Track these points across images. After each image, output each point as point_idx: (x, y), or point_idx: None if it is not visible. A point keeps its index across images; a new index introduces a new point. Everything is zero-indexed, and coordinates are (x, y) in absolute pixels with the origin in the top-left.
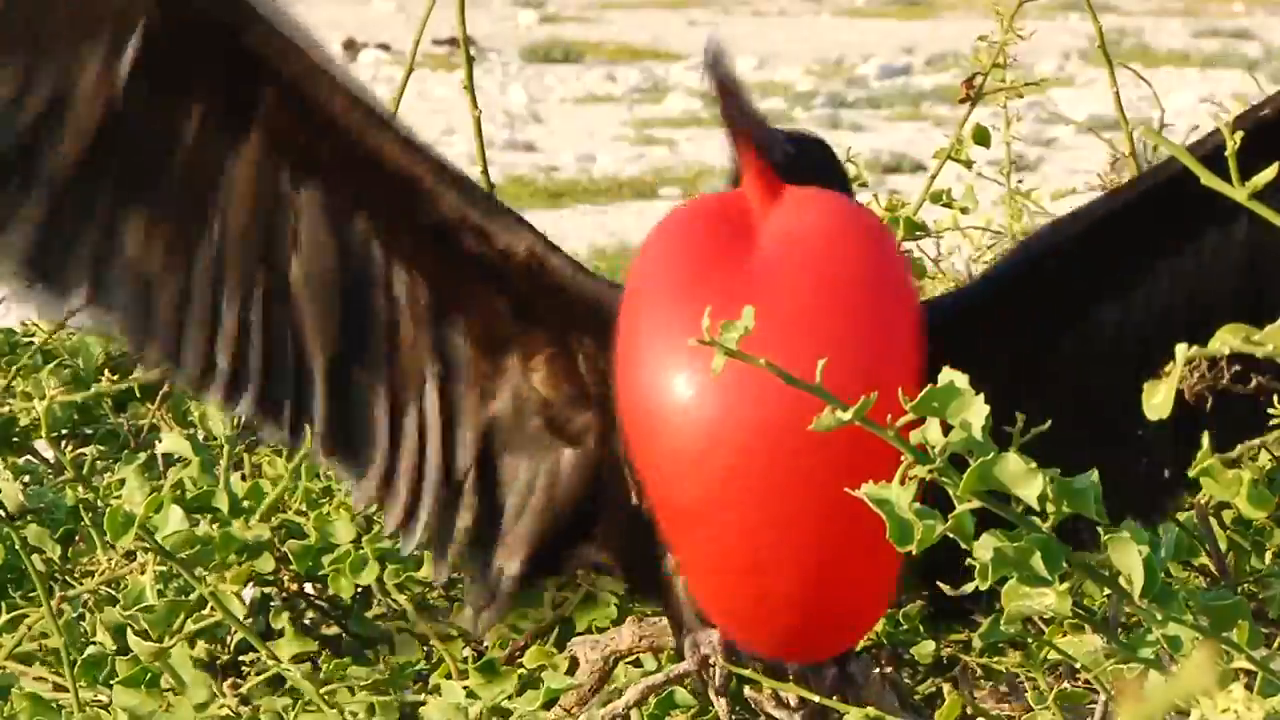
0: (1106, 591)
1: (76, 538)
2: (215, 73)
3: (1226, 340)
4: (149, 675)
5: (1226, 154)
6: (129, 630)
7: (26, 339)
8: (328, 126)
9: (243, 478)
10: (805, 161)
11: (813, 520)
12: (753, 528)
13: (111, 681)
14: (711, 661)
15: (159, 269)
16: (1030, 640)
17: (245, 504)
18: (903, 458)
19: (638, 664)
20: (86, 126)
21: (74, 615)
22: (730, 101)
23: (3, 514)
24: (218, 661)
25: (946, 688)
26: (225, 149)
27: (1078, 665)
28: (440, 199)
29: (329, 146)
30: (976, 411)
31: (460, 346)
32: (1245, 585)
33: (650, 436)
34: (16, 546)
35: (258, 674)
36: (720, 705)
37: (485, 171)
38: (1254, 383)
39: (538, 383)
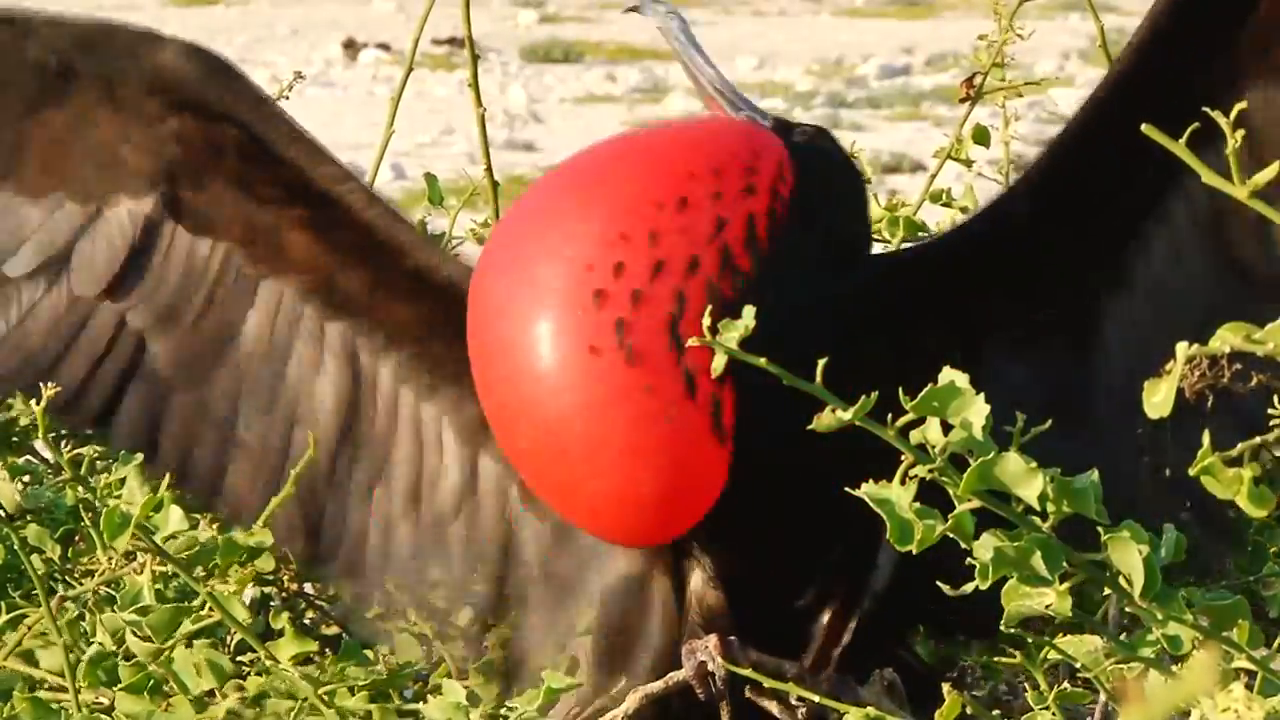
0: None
1: (76, 538)
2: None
3: (1226, 339)
4: (151, 681)
5: (1228, 152)
6: (129, 631)
7: None
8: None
9: None
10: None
11: (592, 430)
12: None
13: (114, 685)
14: (710, 669)
15: (176, 385)
16: (1030, 640)
17: None
18: (903, 458)
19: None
20: (118, 253)
21: (74, 615)
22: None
23: (3, 514)
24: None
25: (946, 688)
26: (250, 275)
27: (1078, 665)
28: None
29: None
30: (976, 411)
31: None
32: (1245, 585)
33: (482, 358)
34: (16, 546)
35: (257, 674)
36: (724, 713)
37: (489, 169)
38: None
39: None
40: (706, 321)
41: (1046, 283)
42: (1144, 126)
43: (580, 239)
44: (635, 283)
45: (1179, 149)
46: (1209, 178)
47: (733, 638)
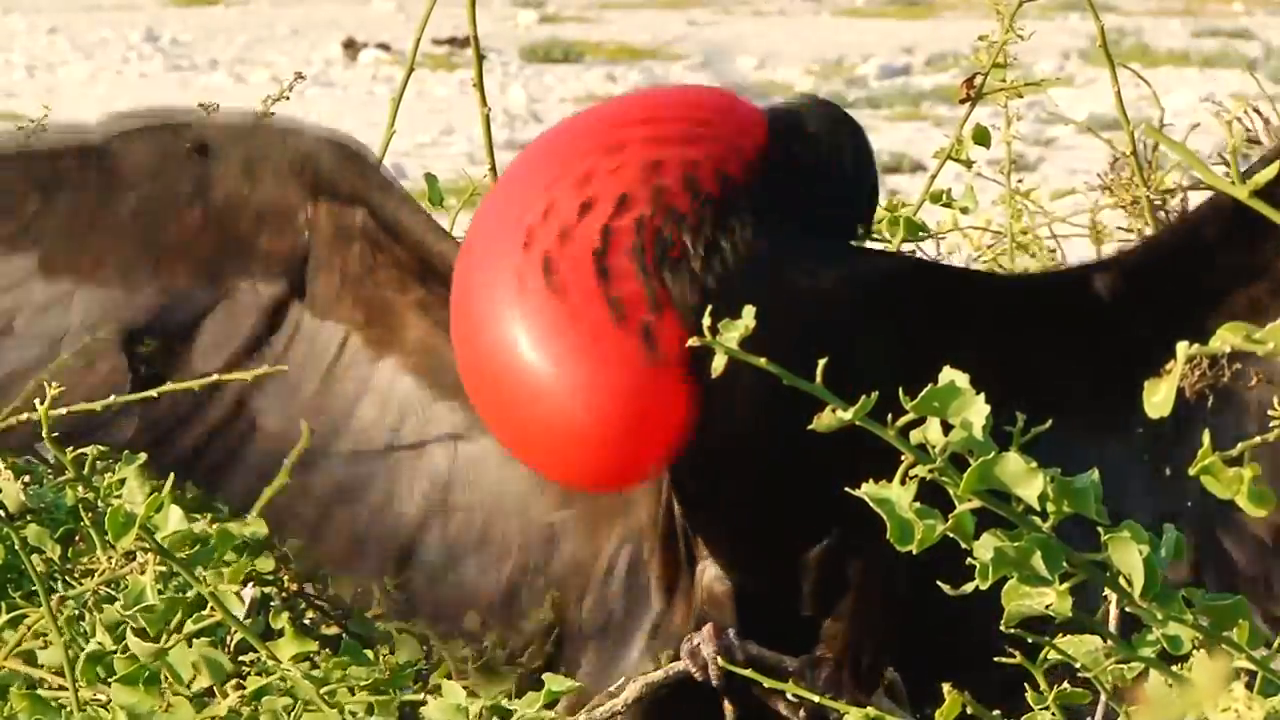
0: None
1: (76, 538)
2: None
3: (1227, 339)
4: (148, 674)
5: (1226, 154)
6: (129, 630)
7: None
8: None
9: None
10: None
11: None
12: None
13: (110, 680)
14: (706, 658)
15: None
16: (1030, 640)
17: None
18: (903, 458)
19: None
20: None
21: (74, 615)
22: None
23: (3, 514)
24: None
25: (947, 688)
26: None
27: (1078, 665)
28: None
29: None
30: (977, 411)
31: None
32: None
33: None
34: (16, 546)
35: (257, 674)
36: (728, 709)
37: (493, 169)
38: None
39: None
40: (706, 321)
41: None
42: (1145, 126)
43: (520, 194)
44: (562, 222)
45: (1180, 148)
46: (1209, 178)
47: (730, 630)
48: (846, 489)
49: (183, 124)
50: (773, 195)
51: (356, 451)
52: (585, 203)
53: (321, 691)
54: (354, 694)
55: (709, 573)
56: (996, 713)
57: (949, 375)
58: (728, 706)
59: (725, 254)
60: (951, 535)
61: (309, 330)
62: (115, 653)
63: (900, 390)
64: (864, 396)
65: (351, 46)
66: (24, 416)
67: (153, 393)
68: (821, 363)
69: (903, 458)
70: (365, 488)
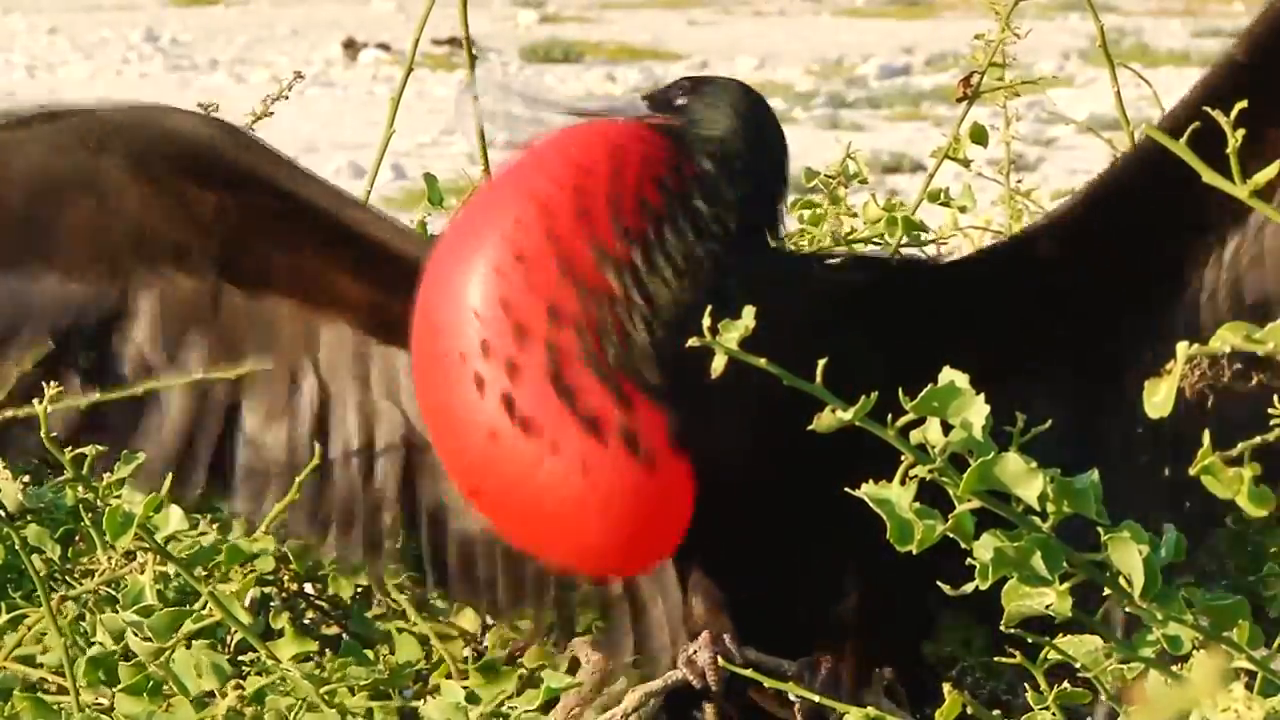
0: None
1: (76, 538)
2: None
3: (1227, 339)
4: (151, 683)
5: (1228, 151)
6: (129, 631)
7: None
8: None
9: None
10: (665, 102)
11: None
12: (474, 464)
13: (113, 686)
14: (704, 666)
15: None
16: (1030, 640)
17: None
18: (903, 458)
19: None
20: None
21: (75, 615)
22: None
23: (3, 514)
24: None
25: (946, 688)
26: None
27: (1078, 665)
28: None
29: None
30: (976, 411)
31: None
32: (1245, 585)
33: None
34: (16, 546)
35: (258, 674)
36: (709, 712)
37: (487, 170)
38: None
39: None
40: (706, 322)
41: (1067, 320)
42: (1146, 126)
43: (453, 321)
44: (505, 354)
45: (1179, 148)
46: (1209, 177)
47: (727, 636)
48: (846, 489)
49: (66, 114)
50: (698, 219)
51: (319, 412)
52: (517, 329)
53: (321, 691)
54: (354, 694)
55: (699, 581)
56: (996, 713)
57: (949, 375)
58: (709, 713)
59: (670, 313)
60: (951, 535)
61: (245, 309)
62: (115, 654)
63: (899, 392)
64: (863, 398)
65: (351, 46)
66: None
67: (138, 389)
68: (821, 363)
69: (903, 458)
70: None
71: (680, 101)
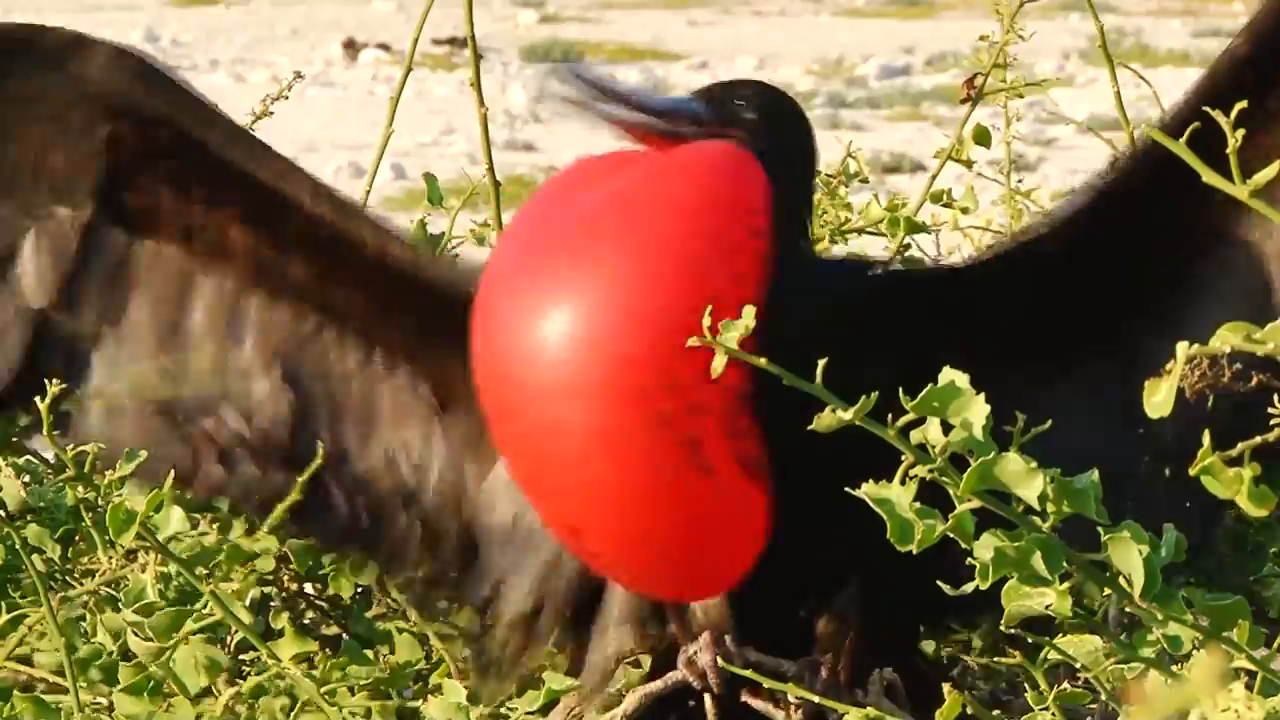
0: (1106, 591)
1: (76, 538)
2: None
3: (1227, 339)
4: (151, 682)
5: (1228, 151)
6: (130, 631)
7: None
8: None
9: None
10: (728, 111)
11: (625, 489)
12: (566, 491)
13: (113, 685)
14: (704, 667)
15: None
16: (1030, 640)
17: None
18: (903, 458)
19: (637, 665)
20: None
21: (75, 616)
22: (607, 104)
23: (3, 514)
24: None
25: (946, 688)
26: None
27: (1078, 665)
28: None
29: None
30: (977, 411)
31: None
32: (1245, 585)
33: (489, 390)
34: (16, 546)
35: (258, 674)
36: (709, 708)
37: (491, 169)
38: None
39: None
40: (706, 322)
41: (1076, 319)
42: (1146, 127)
43: (622, 361)
44: (688, 395)
45: (1179, 148)
46: (1209, 177)
47: (728, 637)
48: (846, 489)
49: None
50: (786, 245)
51: (194, 362)
52: (665, 367)
53: (321, 691)
54: (354, 694)
55: None
56: (996, 713)
57: (949, 375)
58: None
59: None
60: (951, 535)
61: (128, 252)
62: (116, 654)
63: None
64: (863, 398)
65: (351, 46)
66: None
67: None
68: (821, 363)
69: (903, 458)
70: (207, 400)
71: (749, 115)
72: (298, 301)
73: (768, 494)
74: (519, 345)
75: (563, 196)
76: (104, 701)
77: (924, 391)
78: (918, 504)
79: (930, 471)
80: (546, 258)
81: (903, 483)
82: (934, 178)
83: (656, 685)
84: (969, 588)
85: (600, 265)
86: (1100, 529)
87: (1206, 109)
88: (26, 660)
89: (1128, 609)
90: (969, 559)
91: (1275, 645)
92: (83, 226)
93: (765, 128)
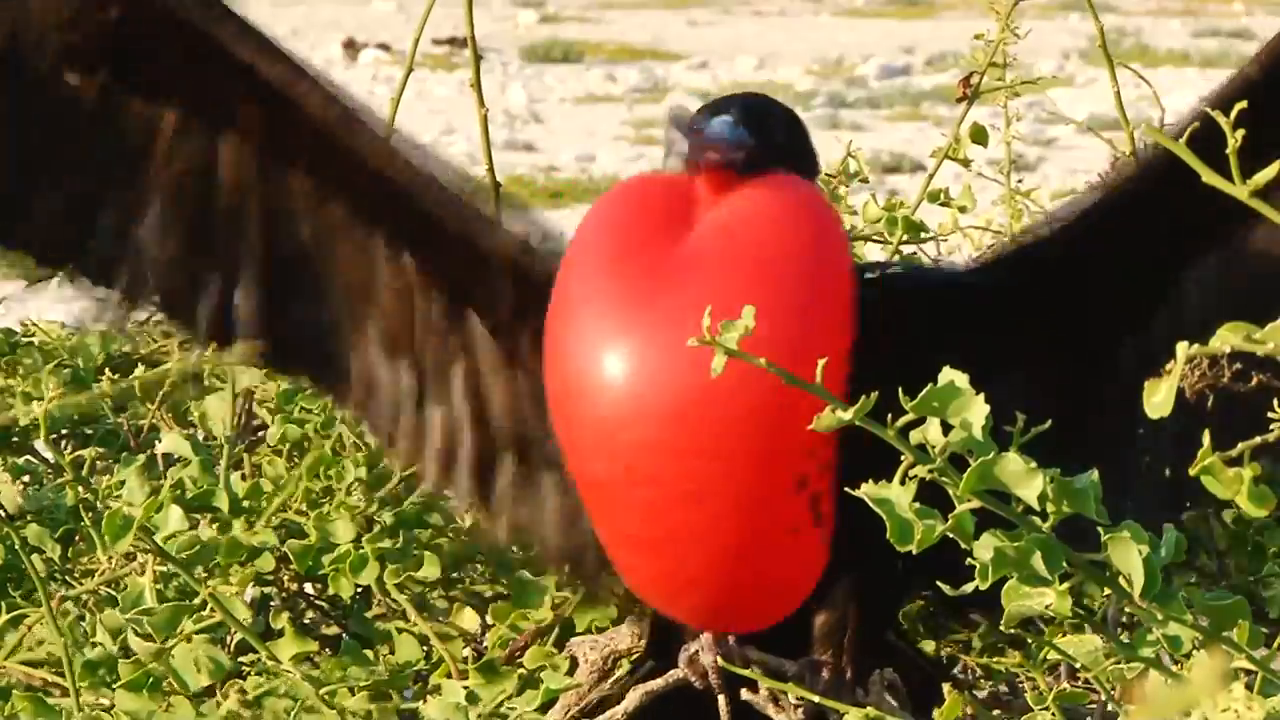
0: (1106, 591)
1: (76, 538)
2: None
3: (1227, 339)
4: (151, 680)
5: (1228, 151)
6: (130, 631)
7: (26, 339)
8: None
9: (243, 477)
10: (764, 144)
11: (725, 498)
12: (664, 503)
13: (112, 685)
14: (705, 665)
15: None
16: (1030, 640)
17: (245, 504)
18: (903, 458)
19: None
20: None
21: (75, 616)
22: (693, 141)
23: (3, 514)
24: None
25: (946, 688)
26: (214, 145)
27: (1078, 665)
28: (419, 199)
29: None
30: (976, 411)
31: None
32: (1245, 585)
33: (571, 406)
34: (16, 546)
35: (258, 674)
36: (721, 706)
37: (491, 169)
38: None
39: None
40: (706, 323)
41: (1065, 325)
42: (1145, 126)
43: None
44: (799, 442)
45: (1179, 148)
46: (1209, 177)
47: (729, 635)
48: (846, 489)
49: None
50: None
51: (220, 211)
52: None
53: (321, 692)
54: (354, 694)
55: None
56: (996, 713)
57: (949, 375)
58: (724, 711)
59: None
60: (951, 535)
61: (142, 113)
62: (116, 654)
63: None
64: (863, 398)
65: (351, 46)
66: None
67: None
68: (821, 363)
69: (903, 458)
70: (238, 242)
71: (781, 140)
72: (296, 172)
73: (833, 530)
74: (621, 383)
75: (646, 219)
76: (105, 701)
77: (924, 391)
78: (917, 504)
79: (930, 471)
80: (647, 299)
81: (902, 483)
82: (931, 177)
83: (658, 683)
84: (969, 588)
85: (703, 296)
86: (1100, 529)
87: (1210, 112)
88: (26, 660)
89: (1128, 609)
90: (969, 559)
91: (1275, 645)
92: (96, 87)
93: (793, 150)
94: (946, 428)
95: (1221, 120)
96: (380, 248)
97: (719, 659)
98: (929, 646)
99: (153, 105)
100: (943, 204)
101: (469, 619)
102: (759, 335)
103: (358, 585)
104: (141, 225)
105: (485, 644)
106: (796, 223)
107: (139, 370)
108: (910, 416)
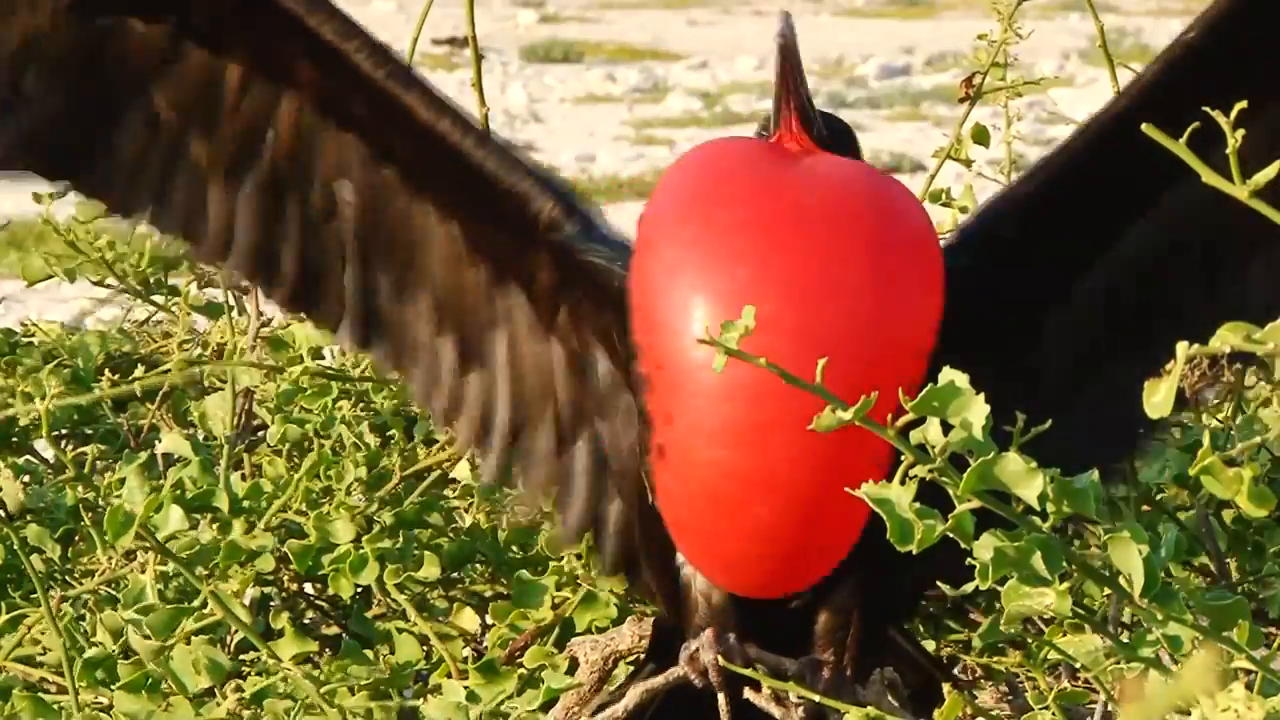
0: (1106, 591)
1: (76, 538)
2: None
3: (1226, 339)
4: (150, 680)
5: (1228, 151)
6: (130, 630)
7: (26, 339)
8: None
9: (243, 477)
10: (835, 142)
11: (804, 456)
12: (753, 462)
13: (112, 685)
14: (705, 663)
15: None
16: (1030, 640)
17: (245, 504)
18: (902, 458)
19: (638, 664)
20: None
21: (75, 616)
22: (789, 72)
23: (3, 514)
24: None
25: (946, 688)
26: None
27: (1078, 665)
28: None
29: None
30: (976, 411)
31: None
32: (1245, 585)
33: (672, 371)
34: (16, 546)
35: (258, 674)
36: (721, 704)
37: None
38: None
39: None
40: (706, 323)
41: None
42: (1144, 125)
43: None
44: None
45: (1179, 149)
46: (1209, 177)
47: (730, 634)
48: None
49: None
50: None
51: (277, 165)
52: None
53: (321, 692)
54: (354, 694)
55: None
56: (996, 713)
57: (948, 375)
58: (724, 709)
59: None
60: (951, 535)
61: (205, 63)
62: (116, 654)
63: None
64: (863, 398)
65: None
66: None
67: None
68: (821, 362)
69: (903, 458)
70: (293, 199)
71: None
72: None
73: None
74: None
75: (738, 177)
76: (104, 701)
77: (924, 391)
78: (917, 504)
79: (930, 471)
80: (754, 255)
81: (902, 483)
82: (933, 177)
83: (657, 680)
84: (969, 587)
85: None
86: (1100, 529)
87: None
88: (27, 660)
89: (1128, 609)
90: (969, 559)
91: (1275, 645)
92: (160, 35)
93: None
94: (946, 427)
95: (1221, 120)
96: (434, 205)
97: (719, 657)
98: (929, 646)
99: (215, 57)
100: (944, 204)
101: (469, 619)
102: (867, 297)
103: (358, 585)
104: (208, 184)
105: (485, 644)
106: (892, 188)
107: (139, 370)
108: (910, 416)
